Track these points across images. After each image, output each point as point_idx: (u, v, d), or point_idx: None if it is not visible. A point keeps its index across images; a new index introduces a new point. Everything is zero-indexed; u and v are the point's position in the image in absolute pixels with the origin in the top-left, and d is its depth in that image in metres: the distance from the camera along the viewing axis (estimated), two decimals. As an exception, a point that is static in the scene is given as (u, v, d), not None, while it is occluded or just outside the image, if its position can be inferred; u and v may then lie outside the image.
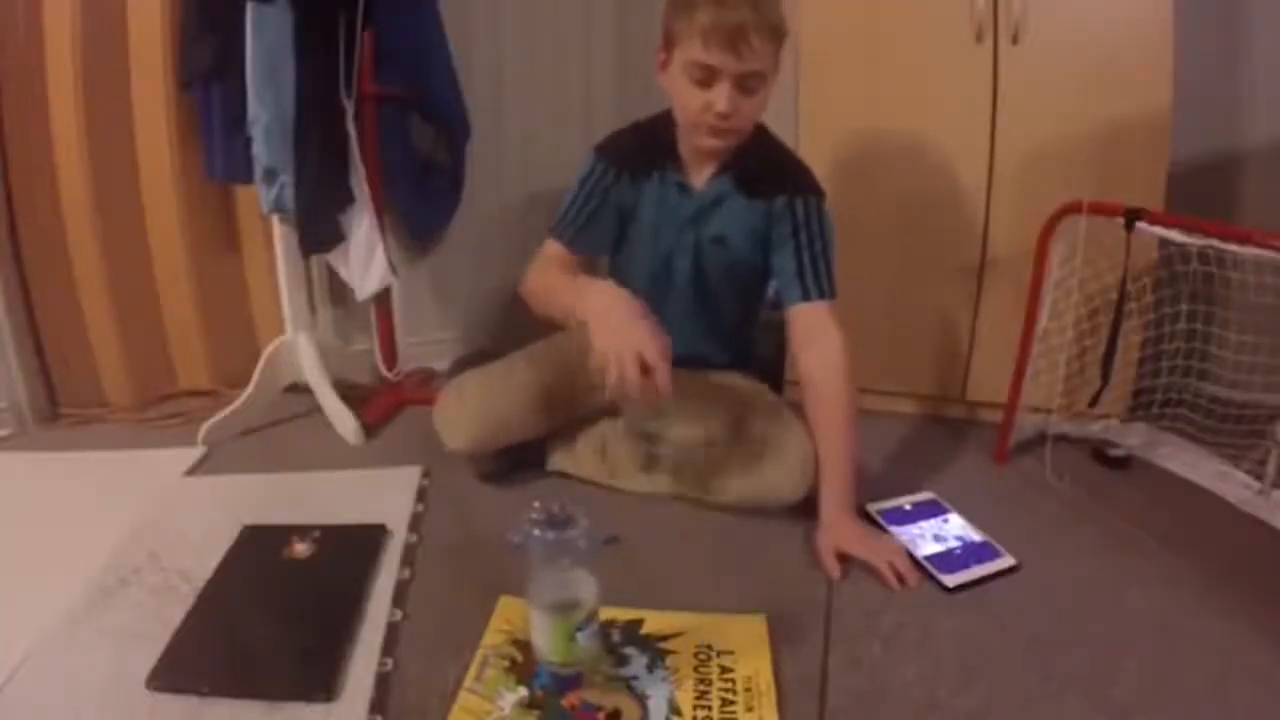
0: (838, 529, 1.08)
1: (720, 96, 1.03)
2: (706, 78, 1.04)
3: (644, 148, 1.21)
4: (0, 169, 1.49)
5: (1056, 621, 0.97)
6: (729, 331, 1.35)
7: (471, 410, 1.23)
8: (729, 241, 1.22)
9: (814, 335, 1.16)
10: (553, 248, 1.25)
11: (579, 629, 0.81)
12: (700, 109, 1.06)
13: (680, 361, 1.35)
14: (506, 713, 0.80)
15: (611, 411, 1.33)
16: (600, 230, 1.25)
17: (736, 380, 1.34)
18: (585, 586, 0.82)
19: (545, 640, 0.82)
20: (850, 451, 1.12)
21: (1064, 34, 1.35)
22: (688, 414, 1.23)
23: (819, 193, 1.19)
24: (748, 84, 1.05)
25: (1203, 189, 1.58)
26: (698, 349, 1.33)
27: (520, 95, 1.88)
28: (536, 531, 0.79)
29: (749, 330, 1.41)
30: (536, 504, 0.81)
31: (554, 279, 1.19)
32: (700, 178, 1.20)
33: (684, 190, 1.21)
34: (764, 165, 1.18)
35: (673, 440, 1.20)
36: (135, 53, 1.53)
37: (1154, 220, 1.18)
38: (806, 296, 1.16)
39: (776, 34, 1.04)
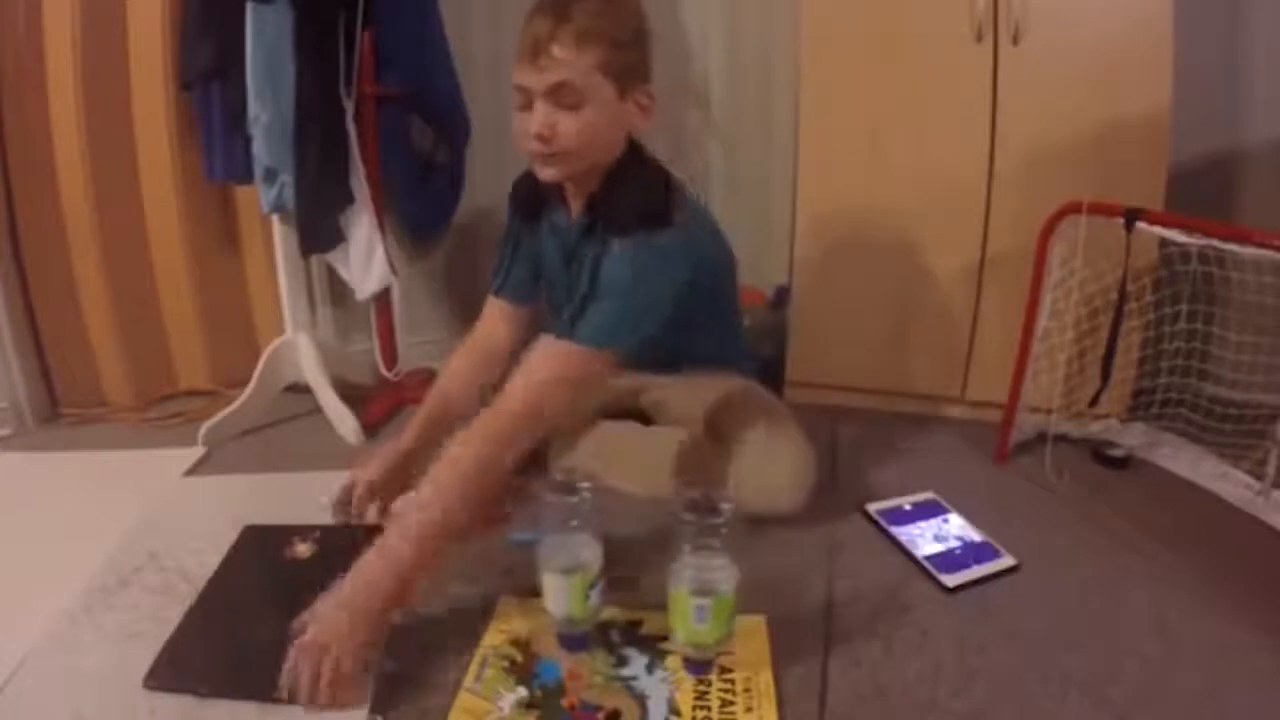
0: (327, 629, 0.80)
1: (535, 116, 0.97)
2: (524, 100, 0.98)
3: (534, 189, 1.15)
4: (0, 169, 1.49)
5: (1056, 621, 0.97)
6: (687, 344, 1.23)
7: None
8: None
9: (533, 360, 1.00)
10: (489, 311, 1.27)
11: (591, 586, 0.86)
12: (522, 135, 0.99)
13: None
14: (506, 713, 0.80)
15: (612, 413, 1.33)
16: (526, 274, 1.24)
17: (733, 382, 1.33)
18: (591, 548, 0.87)
19: (563, 600, 0.86)
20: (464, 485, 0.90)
21: (1064, 34, 1.35)
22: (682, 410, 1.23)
23: (657, 227, 1.01)
24: (560, 98, 0.95)
25: (1203, 189, 1.58)
26: (666, 361, 1.28)
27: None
28: (550, 497, 0.85)
29: (714, 334, 1.31)
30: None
31: (432, 398, 1.17)
32: (574, 212, 1.13)
33: (560, 227, 1.16)
34: (616, 198, 1.06)
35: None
36: (135, 53, 1.53)
37: (1154, 220, 1.18)
38: (560, 332, 1.02)
39: (588, 39, 0.94)
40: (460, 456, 0.91)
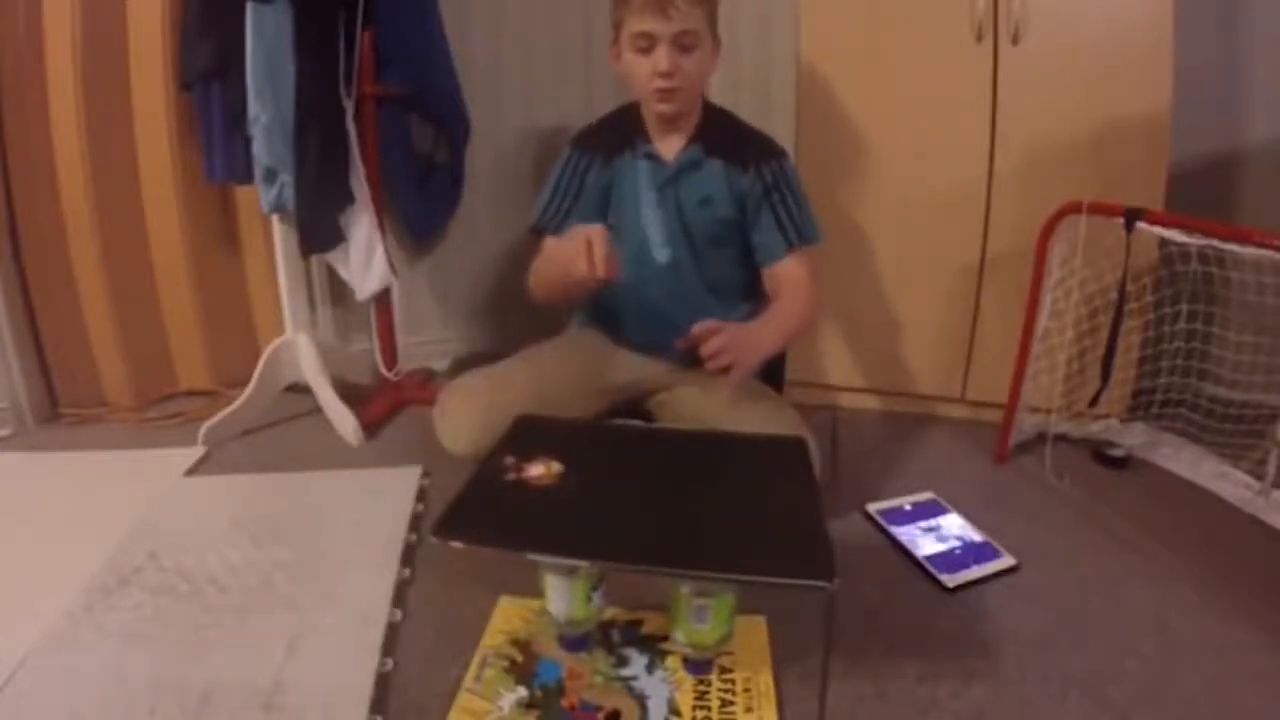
0: (756, 333, 1.15)
1: (660, 57, 1.16)
2: (647, 45, 1.17)
3: (614, 130, 1.30)
4: (0, 169, 1.49)
5: (1056, 621, 0.97)
6: (734, 290, 1.34)
7: (473, 415, 1.23)
8: (715, 202, 1.26)
9: (783, 285, 1.25)
10: (546, 243, 1.30)
11: (594, 588, 0.87)
12: (648, 74, 1.18)
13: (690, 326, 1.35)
14: (505, 713, 0.80)
15: (617, 412, 1.33)
16: (582, 217, 1.29)
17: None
18: None
19: (566, 602, 0.86)
20: (803, 317, 1.25)
21: (1064, 34, 1.35)
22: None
23: (781, 154, 1.27)
24: (683, 43, 1.16)
25: (1203, 189, 1.58)
26: (706, 310, 1.31)
27: (520, 95, 1.88)
28: None
29: (756, 287, 1.36)
30: None
31: (542, 263, 1.27)
32: (671, 150, 1.27)
33: (656, 160, 1.27)
34: (728, 134, 1.28)
35: None
36: (135, 53, 1.53)
37: (1154, 220, 1.18)
38: (791, 246, 1.25)
39: None
40: (799, 304, 1.23)
